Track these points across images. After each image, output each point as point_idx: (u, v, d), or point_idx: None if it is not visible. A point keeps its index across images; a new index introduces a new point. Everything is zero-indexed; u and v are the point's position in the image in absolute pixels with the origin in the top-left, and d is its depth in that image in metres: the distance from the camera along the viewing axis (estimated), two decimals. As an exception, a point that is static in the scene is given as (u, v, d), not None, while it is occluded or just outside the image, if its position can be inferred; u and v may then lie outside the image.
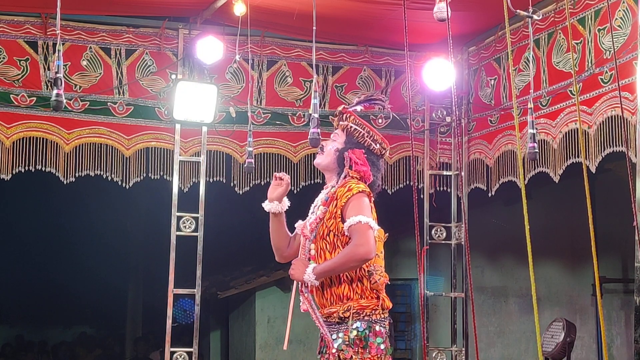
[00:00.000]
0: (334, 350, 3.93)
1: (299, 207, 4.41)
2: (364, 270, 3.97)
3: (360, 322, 3.93)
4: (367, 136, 4.15)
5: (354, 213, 3.92)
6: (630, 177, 4.89)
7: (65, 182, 7.23)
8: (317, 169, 4.40)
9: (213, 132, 7.56)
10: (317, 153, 4.22)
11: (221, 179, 7.57)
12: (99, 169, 7.32)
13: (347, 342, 3.91)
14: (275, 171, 7.49)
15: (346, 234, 3.94)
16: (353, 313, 3.93)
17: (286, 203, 4.22)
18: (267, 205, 4.20)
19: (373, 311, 3.96)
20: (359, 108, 4.23)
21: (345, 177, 4.07)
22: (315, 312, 4.01)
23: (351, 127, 4.15)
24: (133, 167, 7.40)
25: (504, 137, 7.51)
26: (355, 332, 3.92)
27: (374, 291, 3.97)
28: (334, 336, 3.95)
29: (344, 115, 4.19)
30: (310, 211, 4.19)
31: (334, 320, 3.97)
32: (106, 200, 12.08)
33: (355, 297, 3.96)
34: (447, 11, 4.17)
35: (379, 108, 4.39)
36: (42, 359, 14.15)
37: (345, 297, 3.96)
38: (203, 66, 7.44)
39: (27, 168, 7.16)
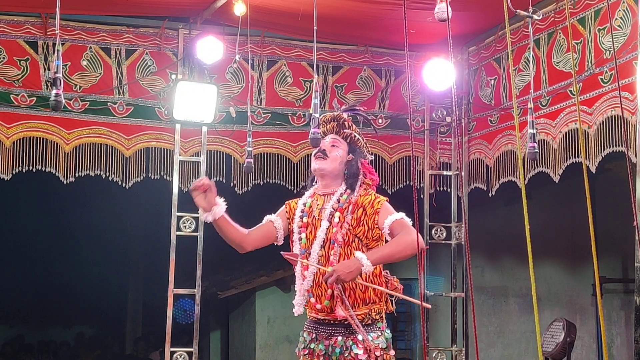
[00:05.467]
0: (377, 353, 3.93)
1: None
2: (385, 276, 4.10)
3: (384, 324, 4.05)
4: (364, 147, 4.20)
5: (390, 212, 3.97)
6: (630, 177, 4.87)
7: (65, 182, 7.23)
8: None
9: (213, 132, 7.56)
10: (317, 157, 4.13)
11: (221, 179, 7.55)
12: (99, 169, 7.32)
13: (384, 344, 3.99)
14: (274, 171, 7.54)
15: (386, 231, 3.93)
16: (381, 316, 4.03)
17: (222, 204, 4.01)
18: (207, 217, 3.95)
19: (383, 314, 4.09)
20: (345, 115, 4.25)
21: (360, 185, 4.10)
22: (353, 314, 3.93)
23: (355, 136, 4.17)
24: (133, 167, 7.40)
25: (504, 137, 7.50)
26: (387, 333, 4.03)
27: (386, 296, 4.08)
28: (369, 336, 3.96)
29: (346, 123, 4.19)
30: (303, 214, 4.10)
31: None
32: (106, 201, 12.09)
33: (377, 301, 4.04)
34: (448, 11, 4.16)
35: (360, 117, 4.38)
36: (42, 359, 14.14)
37: (371, 301, 4.01)
38: (203, 66, 7.44)
39: (27, 168, 7.15)
